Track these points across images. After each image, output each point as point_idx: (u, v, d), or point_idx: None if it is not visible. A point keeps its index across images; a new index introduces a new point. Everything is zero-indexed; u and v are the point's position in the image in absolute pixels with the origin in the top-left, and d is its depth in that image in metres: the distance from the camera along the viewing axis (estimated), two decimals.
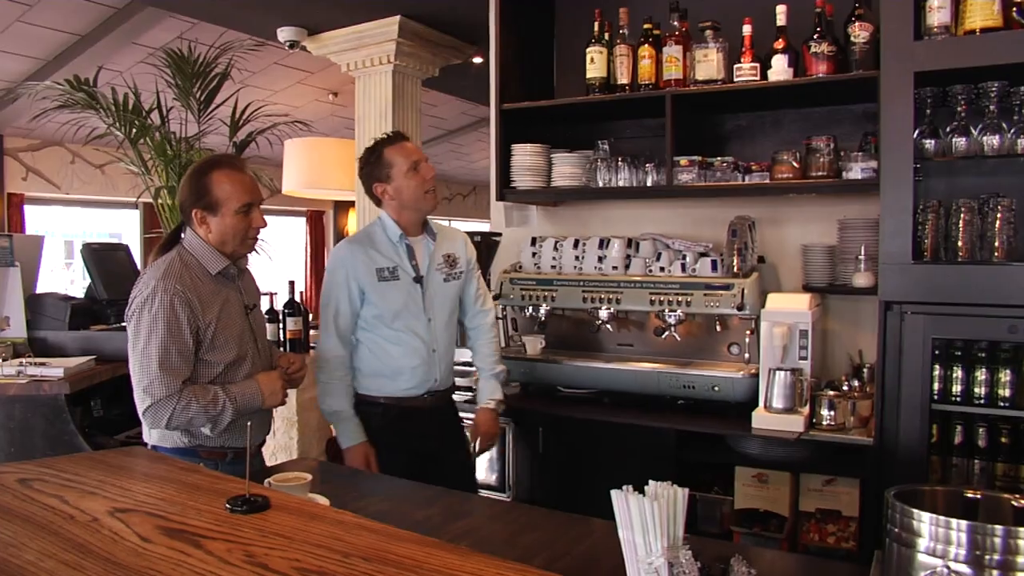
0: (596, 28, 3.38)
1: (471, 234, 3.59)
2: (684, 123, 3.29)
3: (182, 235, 2.40)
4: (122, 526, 1.55)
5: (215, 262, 2.35)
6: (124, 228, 8.50)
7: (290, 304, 4.93)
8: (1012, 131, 2.70)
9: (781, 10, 3.05)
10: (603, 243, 3.36)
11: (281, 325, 4.93)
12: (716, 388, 3.00)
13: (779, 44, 3.03)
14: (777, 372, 2.81)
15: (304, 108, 7.48)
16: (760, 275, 3.14)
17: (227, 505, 1.63)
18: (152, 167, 5.05)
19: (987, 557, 1.13)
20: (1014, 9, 2.54)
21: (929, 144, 2.74)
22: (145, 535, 1.50)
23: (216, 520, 1.58)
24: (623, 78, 3.31)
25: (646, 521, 1.19)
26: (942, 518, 1.15)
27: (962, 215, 2.71)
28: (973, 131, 2.71)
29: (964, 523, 1.14)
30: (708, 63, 3.13)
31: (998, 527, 1.13)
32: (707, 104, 3.28)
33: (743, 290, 2.99)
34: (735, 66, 3.09)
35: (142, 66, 5.59)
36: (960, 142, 2.71)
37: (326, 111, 7.82)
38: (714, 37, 3.15)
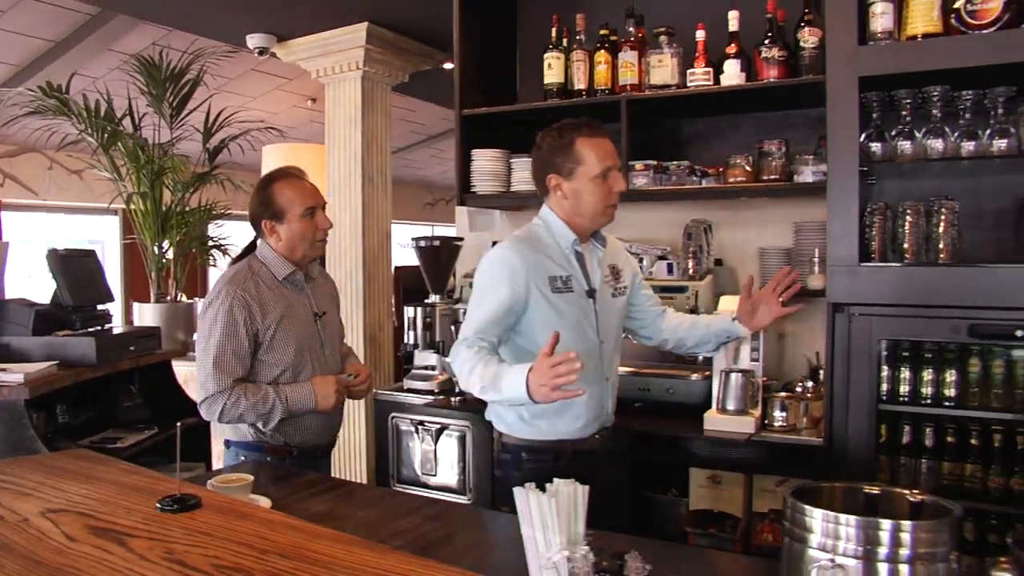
0: (554, 34, 3.43)
1: (432, 239, 3.62)
2: (641, 127, 3.33)
3: (256, 246, 2.59)
4: (50, 526, 1.57)
5: (282, 269, 2.51)
6: (103, 234, 8.49)
7: None
8: (956, 135, 2.74)
9: (733, 16, 3.09)
10: None
11: None
12: (671, 390, 3.03)
13: (731, 49, 3.07)
14: (729, 374, 2.84)
15: (282, 114, 7.50)
16: (716, 278, 3.17)
17: (158, 505, 1.66)
18: (126, 173, 5.07)
19: (876, 550, 1.16)
20: (952, 16, 2.59)
21: (876, 147, 2.78)
22: (72, 534, 1.53)
23: (145, 519, 1.61)
24: (580, 83, 3.35)
25: (546, 518, 1.22)
26: (832, 514, 1.18)
27: (908, 218, 2.75)
28: (917, 135, 2.74)
29: (853, 518, 1.17)
30: (662, 68, 3.17)
31: (886, 521, 1.16)
32: (663, 109, 3.32)
33: (697, 292, 3.03)
34: (688, 71, 3.13)
35: (116, 72, 5.61)
36: (905, 145, 2.75)
37: (304, 117, 7.84)
38: (668, 43, 3.19)
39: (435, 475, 3.45)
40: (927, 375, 2.71)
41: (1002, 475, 2.68)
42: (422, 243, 3.65)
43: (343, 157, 4.70)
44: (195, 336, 2.59)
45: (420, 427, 3.48)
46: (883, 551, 1.15)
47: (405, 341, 3.64)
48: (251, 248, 2.61)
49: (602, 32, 3.33)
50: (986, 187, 3.01)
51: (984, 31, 2.55)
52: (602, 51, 3.29)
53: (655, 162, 3.20)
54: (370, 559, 1.40)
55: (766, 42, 3.02)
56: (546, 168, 2.32)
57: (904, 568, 1.14)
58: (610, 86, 3.29)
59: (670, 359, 3.20)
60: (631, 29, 3.27)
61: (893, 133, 2.76)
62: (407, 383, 3.64)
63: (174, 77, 4.98)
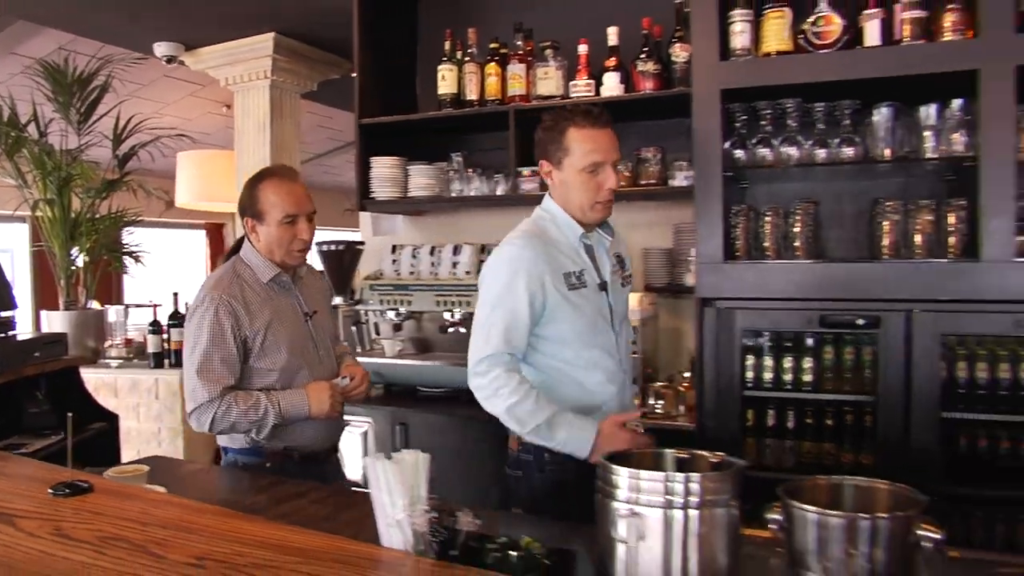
0: (447, 47, 3.60)
1: (335, 243, 3.75)
2: (532, 136, 3.52)
3: (242, 246, 2.50)
4: None
5: (267, 271, 2.42)
6: (13, 242, 8.34)
7: (174, 315, 5.00)
8: (810, 143, 3.00)
9: (613, 31, 3.31)
10: (456, 250, 3.56)
11: (165, 336, 5.00)
12: None
13: (611, 63, 3.29)
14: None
15: (197, 120, 7.50)
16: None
17: (50, 490, 1.77)
18: (32, 180, 5.05)
19: (671, 499, 1.36)
20: (800, 36, 2.85)
21: (740, 154, 3.03)
22: None
23: (38, 503, 1.72)
24: (472, 94, 3.53)
25: (391, 483, 1.39)
26: (633, 471, 1.37)
27: (768, 218, 3.01)
28: (775, 143, 3.00)
29: (649, 473, 1.37)
30: (548, 80, 3.37)
31: (678, 475, 1.36)
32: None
33: None
34: (571, 83, 3.34)
35: (20, 77, 5.56)
36: (765, 152, 3.00)
37: (220, 123, 7.84)
38: (554, 56, 3.39)
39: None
40: (787, 363, 2.96)
41: (852, 451, 2.95)
42: (325, 247, 3.77)
43: (253, 164, 4.78)
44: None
45: None
46: (677, 499, 1.35)
47: None
48: (237, 248, 2.52)
49: (492, 46, 3.52)
50: (846, 190, 3.28)
51: (826, 50, 2.82)
52: (492, 64, 3.48)
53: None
54: (242, 526, 1.56)
55: (642, 56, 3.25)
56: (538, 153, 2.28)
57: (693, 513, 1.35)
58: (500, 97, 3.47)
59: None
60: (519, 43, 3.46)
61: (754, 141, 3.01)
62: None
63: (81, 83, 4.97)
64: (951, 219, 2.83)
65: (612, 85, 3.26)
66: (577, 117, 2.18)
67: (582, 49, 3.34)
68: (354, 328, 3.67)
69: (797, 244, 2.97)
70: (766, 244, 3.00)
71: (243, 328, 2.33)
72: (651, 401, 3.11)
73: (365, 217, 4.09)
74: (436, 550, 1.41)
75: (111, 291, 7.39)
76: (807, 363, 2.95)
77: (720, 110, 2.90)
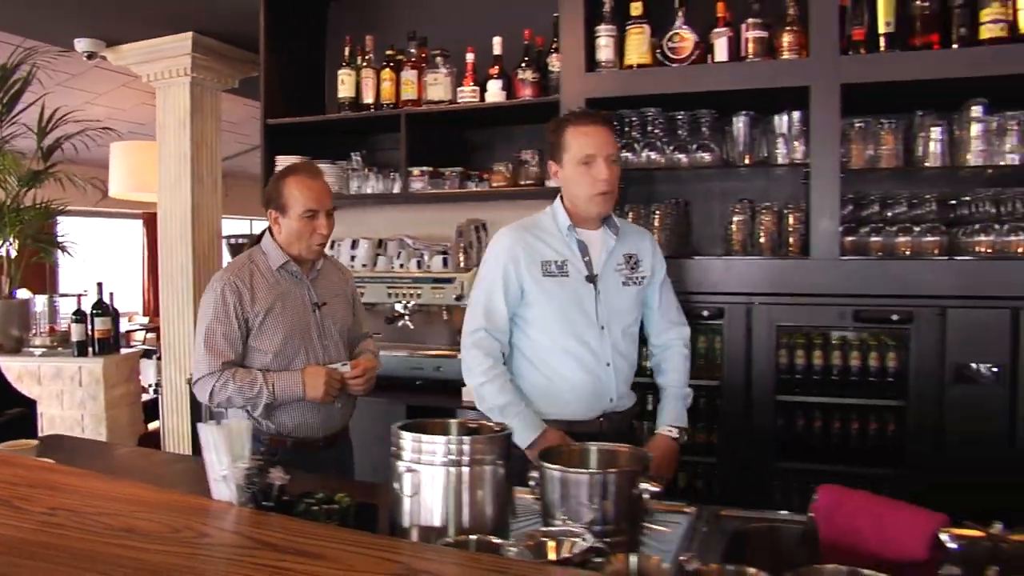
0: (347, 53, 3.80)
1: (240, 236, 3.94)
2: (431, 137, 3.76)
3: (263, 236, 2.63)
4: None
5: (278, 258, 2.54)
6: None
7: (98, 304, 5.14)
8: (671, 148, 3.26)
9: (497, 41, 3.54)
10: (354, 244, 3.78)
11: (89, 325, 5.14)
12: (439, 368, 3.46)
13: (494, 71, 3.52)
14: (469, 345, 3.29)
15: (130, 111, 7.58)
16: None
17: None
18: None
19: (446, 459, 1.60)
20: (658, 51, 3.10)
21: None
22: None
23: None
24: (369, 98, 3.73)
25: (218, 444, 1.63)
26: (417, 435, 1.61)
27: (629, 217, 3.26)
28: (638, 148, 3.25)
29: (430, 436, 1.61)
30: (438, 86, 3.60)
31: (452, 437, 1.61)
32: (441, 121, 3.74)
33: (463, 283, 3.47)
34: (458, 89, 3.57)
35: None
36: (629, 157, 3.25)
37: (152, 114, 7.88)
38: (444, 63, 3.62)
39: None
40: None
41: (704, 431, 3.23)
42: (232, 240, 3.96)
43: (173, 158, 4.94)
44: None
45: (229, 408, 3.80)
46: (450, 459, 1.59)
47: None
48: (258, 239, 2.65)
49: (388, 52, 3.73)
50: (715, 192, 3.54)
51: (680, 64, 3.08)
52: (387, 69, 3.69)
53: (430, 168, 3.62)
54: (97, 485, 1.78)
55: (522, 65, 3.48)
56: (548, 155, 2.46)
57: (464, 470, 1.59)
58: (394, 101, 3.69)
59: (443, 341, 3.64)
60: (413, 50, 3.68)
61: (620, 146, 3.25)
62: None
63: (3, 76, 5.08)
64: (791, 220, 3.11)
65: (495, 91, 3.50)
66: (572, 117, 2.42)
67: (469, 57, 3.57)
68: None
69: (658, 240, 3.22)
70: None
71: (245, 307, 2.45)
72: None
73: None
74: (255, 502, 1.64)
75: (45, 281, 7.47)
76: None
77: None
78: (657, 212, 3.26)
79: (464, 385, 3.37)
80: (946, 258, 2.90)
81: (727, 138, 3.28)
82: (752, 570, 1.37)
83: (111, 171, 6.63)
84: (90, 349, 5.12)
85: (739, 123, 3.23)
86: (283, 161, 3.92)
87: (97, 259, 8.52)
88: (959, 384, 2.83)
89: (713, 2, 3.09)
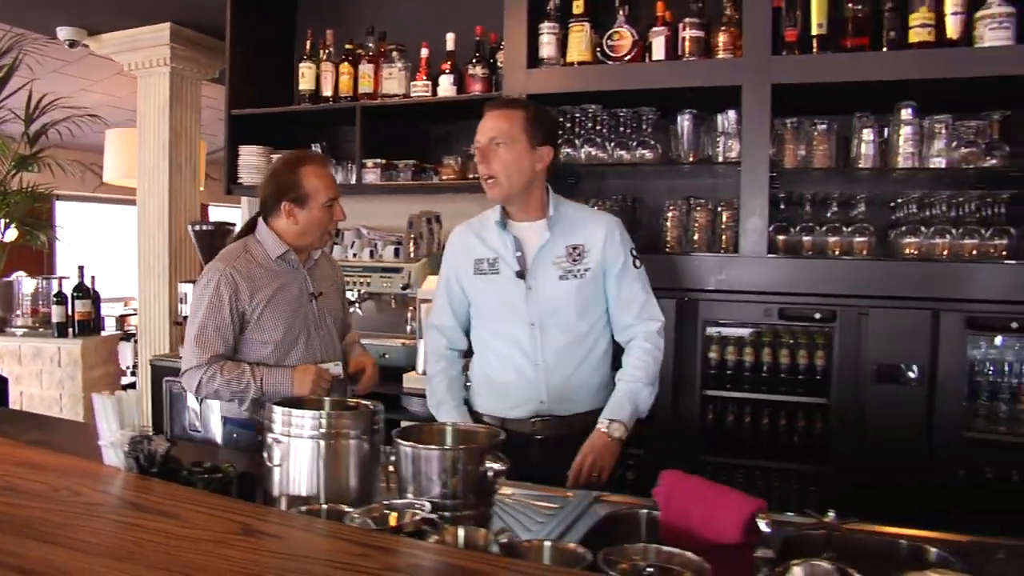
0: (308, 47, 3.89)
1: (205, 223, 4.04)
2: (387, 130, 3.84)
3: (256, 226, 2.56)
4: None
5: (276, 248, 2.48)
6: None
7: (79, 287, 5.29)
8: (613, 145, 3.31)
9: (450, 37, 3.61)
10: None
11: (70, 307, 5.28)
12: (386, 356, 3.54)
13: (446, 66, 3.59)
14: (422, 341, 3.37)
15: (126, 98, 7.67)
16: (431, 260, 3.69)
17: None
18: None
19: (312, 432, 1.68)
20: (598, 49, 3.16)
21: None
22: None
23: None
24: (328, 90, 3.82)
25: (109, 414, 1.73)
26: (287, 409, 1.70)
27: None
28: (577, 143, 3.31)
29: (299, 411, 1.70)
30: (392, 80, 3.68)
31: (318, 412, 1.69)
32: (396, 114, 3.82)
33: (410, 273, 3.54)
34: (412, 83, 3.64)
35: None
36: (570, 152, 3.31)
37: None
38: (400, 58, 3.69)
39: (201, 432, 3.88)
40: None
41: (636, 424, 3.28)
42: (197, 227, 4.07)
43: (152, 147, 5.06)
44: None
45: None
46: (316, 432, 1.68)
47: (179, 313, 4.06)
48: (249, 228, 2.59)
49: (347, 47, 3.81)
50: (664, 188, 3.58)
51: (619, 62, 3.13)
52: (346, 63, 3.78)
53: (383, 161, 3.70)
54: (8, 451, 1.89)
55: (473, 61, 3.55)
56: None
57: (329, 443, 1.68)
58: (352, 94, 3.77)
59: (390, 329, 3.72)
60: (371, 45, 3.76)
61: (559, 142, 3.31)
62: (181, 350, 4.05)
63: None
64: (724, 217, 3.16)
65: (446, 86, 3.57)
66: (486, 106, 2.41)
67: (423, 52, 3.64)
68: None
69: None
70: None
71: (242, 300, 2.40)
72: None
73: (246, 201, 4.39)
74: (139, 467, 1.74)
75: (43, 264, 7.64)
76: None
77: None
78: (599, 208, 3.30)
79: (407, 372, 3.47)
80: (870, 259, 2.94)
81: (672, 136, 3.33)
82: (571, 545, 1.44)
83: (106, 157, 6.75)
84: (70, 330, 5.26)
85: (683, 121, 3.28)
86: (247, 151, 4.02)
87: (96, 244, 8.71)
88: (880, 383, 2.86)
89: (654, 1, 3.14)
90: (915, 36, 2.84)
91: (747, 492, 3.08)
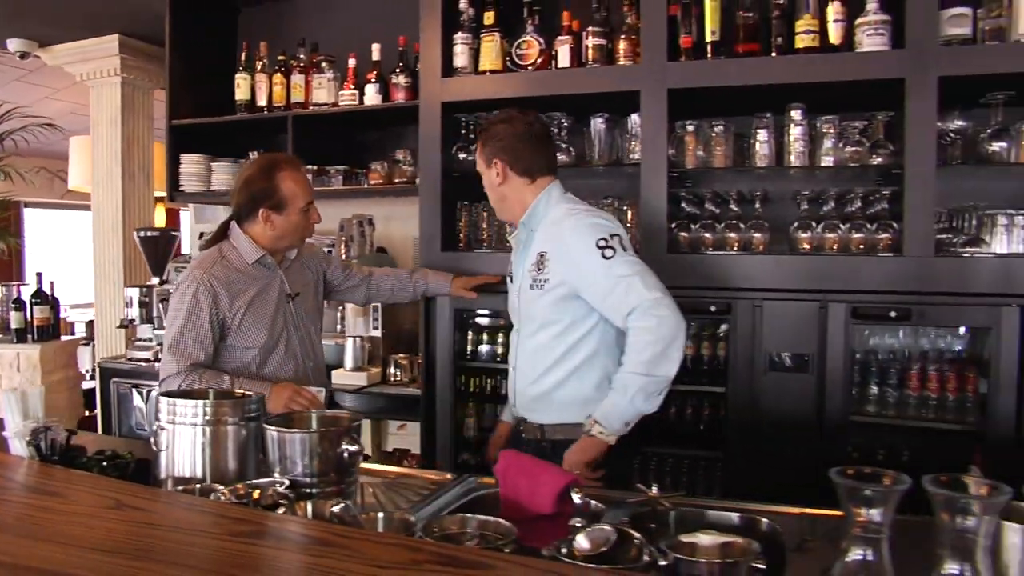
0: (243, 57, 4.04)
1: (151, 230, 4.19)
2: (319, 137, 3.99)
3: (229, 230, 2.56)
4: None
5: (253, 252, 2.49)
6: None
7: (37, 293, 5.40)
8: None
9: (376, 48, 3.77)
10: None
11: (28, 312, 5.40)
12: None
13: (371, 75, 3.75)
14: (350, 339, 3.52)
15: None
16: (363, 262, 3.83)
17: None
18: None
19: (193, 420, 1.84)
20: (508, 58, 3.32)
21: (464, 157, 3.48)
22: None
23: None
24: (262, 100, 3.97)
25: (14, 407, 1.89)
26: (172, 399, 1.85)
27: (484, 214, 3.47)
28: None
29: (182, 400, 1.85)
30: (322, 89, 3.83)
31: (198, 400, 1.84)
32: (326, 122, 3.97)
33: None
34: (340, 92, 3.79)
35: None
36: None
37: None
38: (329, 68, 3.85)
39: (147, 431, 4.02)
40: (496, 338, 3.45)
41: None
42: (142, 234, 4.21)
43: (106, 154, 5.21)
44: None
45: (134, 389, 4.05)
46: (197, 419, 1.83)
47: (124, 316, 4.20)
48: (221, 233, 2.57)
49: (280, 57, 3.97)
50: (582, 190, 3.70)
51: (526, 70, 3.29)
52: (278, 74, 3.93)
53: (315, 167, 3.85)
54: None
55: (396, 70, 3.71)
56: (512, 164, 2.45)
57: (209, 429, 1.83)
58: (285, 103, 3.92)
59: (328, 328, 3.86)
60: (302, 56, 3.92)
61: (472, 147, 3.46)
62: (129, 352, 4.21)
63: None
64: (630, 216, 3.32)
65: (372, 95, 3.72)
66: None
67: (351, 63, 3.80)
68: (161, 304, 4.10)
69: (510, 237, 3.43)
70: (484, 235, 3.47)
71: (221, 308, 2.41)
72: (391, 370, 3.58)
73: (193, 207, 4.55)
74: (40, 455, 1.90)
75: (11, 271, 7.78)
76: (500, 338, 3.46)
77: (441, 120, 3.37)
78: None
79: (335, 369, 3.62)
80: (762, 253, 3.10)
81: (586, 139, 3.48)
82: (397, 513, 1.60)
83: (70, 165, 6.90)
84: (29, 336, 5.38)
85: (596, 124, 3.44)
86: (186, 159, 4.17)
87: (65, 250, 8.84)
88: (773, 371, 3.03)
89: (561, 11, 3.30)
90: (801, 42, 3.00)
91: (657, 479, 3.29)
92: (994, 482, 1.26)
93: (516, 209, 2.43)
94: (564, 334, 2.30)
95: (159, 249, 4.24)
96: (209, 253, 2.51)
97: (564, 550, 1.38)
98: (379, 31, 3.88)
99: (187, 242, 4.32)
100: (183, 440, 1.86)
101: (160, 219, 7.01)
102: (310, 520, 1.54)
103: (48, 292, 5.47)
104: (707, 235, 3.24)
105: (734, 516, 1.83)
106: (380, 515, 1.61)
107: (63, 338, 5.72)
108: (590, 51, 3.24)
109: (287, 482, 1.71)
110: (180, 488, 1.77)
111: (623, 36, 3.20)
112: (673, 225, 3.22)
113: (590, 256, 2.21)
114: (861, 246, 3.05)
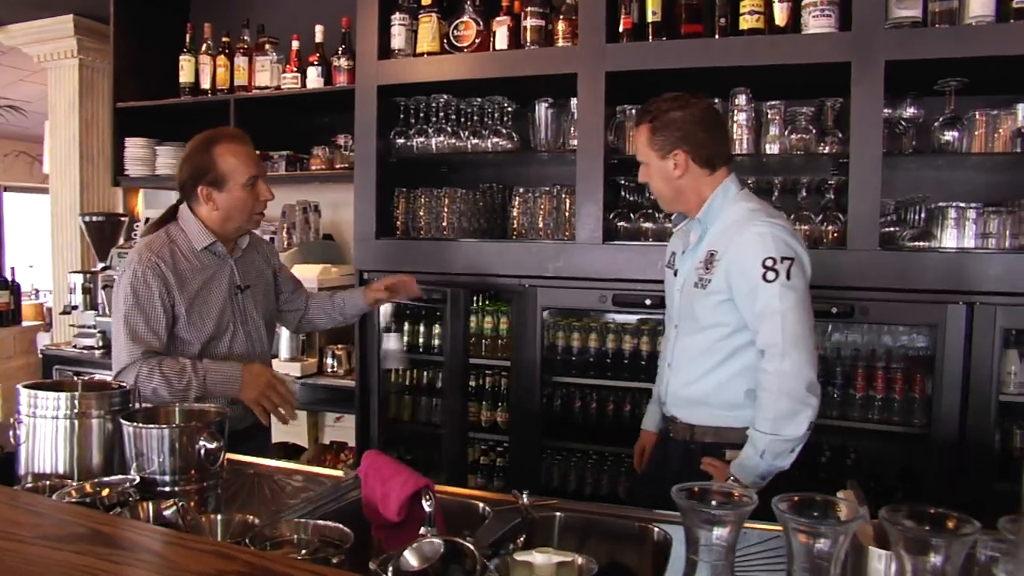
0: (188, 39, 3.93)
1: (96, 215, 4.09)
2: (262, 121, 3.86)
3: (178, 213, 2.37)
4: None
5: (202, 239, 2.30)
6: None
7: None
8: (466, 133, 3.35)
9: (319, 29, 3.65)
10: None
11: None
12: None
13: (314, 58, 3.63)
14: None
15: None
16: (302, 250, 3.74)
17: None
18: None
19: (55, 412, 1.75)
20: (446, 40, 3.20)
21: (401, 142, 3.37)
22: None
23: None
24: (205, 83, 3.87)
25: None
26: (32, 391, 1.76)
27: (421, 200, 3.36)
28: (430, 131, 3.34)
29: (43, 392, 1.75)
30: (265, 72, 3.72)
31: (61, 393, 1.74)
32: (269, 106, 3.86)
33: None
34: (281, 75, 3.68)
35: None
36: (421, 141, 3.34)
37: None
38: (272, 50, 3.73)
39: None
40: (432, 329, 3.35)
41: (491, 410, 3.34)
42: (87, 219, 4.12)
43: (64, 138, 5.11)
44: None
45: (76, 377, 3.96)
46: (59, 412, 1.74)
47: (67, 303, 4.11)
48: (170, 215, 2.38)
49: (224, 39, 3.85)
50: (533, 177, 3.61)
51: (463, 52, 3.17)
52: (222, 56, 3.82)
53: (258, 152, 3.72)
54: None
55: (339, 52, 3.59)
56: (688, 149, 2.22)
57: (73, 422, 1.74)
58: (228, 86, 3.81)
59: None
60: (246, 38, 3.80)
61: (411, 132, 3.35)
62: (74, 340, 4.12)
63: None
64: (568, 204, 3.20)
65: (314, 78, 3.61)
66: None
67: (294, 45, 3.68)
68: (103, 291, 4.01)
69: (444, 223, 3.33)
70: (421, 223, 3.36)
71: (172, 293, 2.23)
72: (328, 360, 3.48)
73: (143, 192, 4.46)
74: None
75: None
76: (435, 330, 3.36)
77: (377, 104, 3.26)
78: (445, 197, 3.35)
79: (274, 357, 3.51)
80: None
81: (530, 124, 3.36)
82: (248, 517, 1.50)
83: (45, 148, 6.81)
84: None
85: (540, 110, 3.32)
86: (131, 143, 4.07)
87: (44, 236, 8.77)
88: None
89: None
90: (745, 23, 2.87)
91: (594, 476, 3.18)
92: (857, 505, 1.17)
93: (692, 202, 2.21)
94: (728, 338, 2.14)
95: (105, 234, 4.14)
96: (156, 236, 2.31)
97: (391, 566, 1.28)
98: (324, 13, 3.77)
99: (143, 228, 4.22)
100: (43, 434, 1.76)
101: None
102: (132, 521, 1.44)
103: (8, 277, 5.42)
104: (646, 225, 3.13)
105: (629, 524, 1.73)
106: (219, 517, 1.50)
107: (24, 324, 5.66)
108: (528, 32, 3.11)
109: (137, 479, 1.61)
110: (29, 485, 1.67)
111: (562, 17, 3.07)
112: (612, 215, 3.11)
113: (753, 268, 2.04)
114: (805, 239, 2.92)
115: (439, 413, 3.38)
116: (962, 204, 2.89)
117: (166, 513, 1.45)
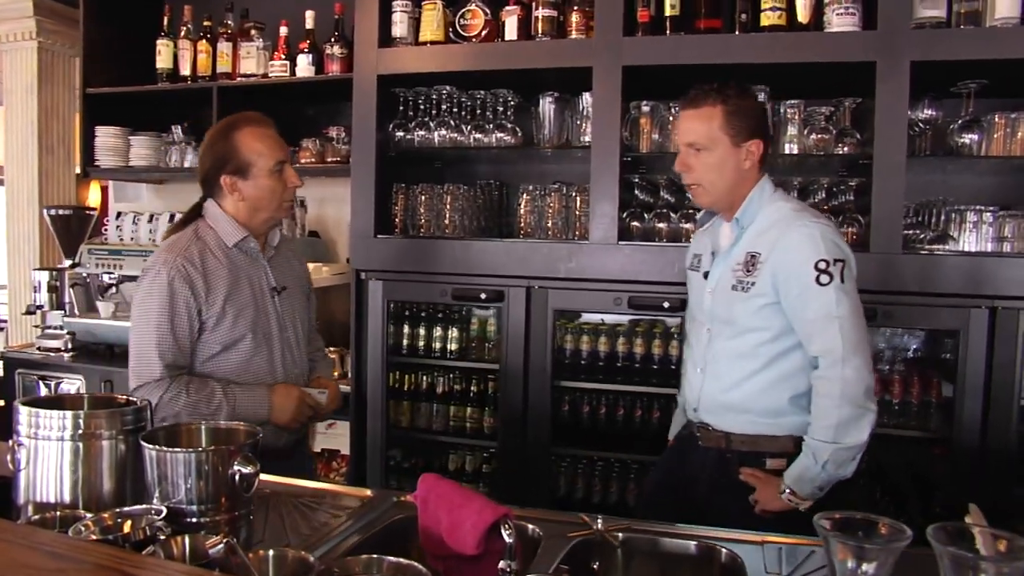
0: (166, 23, 3.71)
1: (63, 207, 3.85)
2: (251, 110, 3.66)
3: (203, 209, 2.18)
4: None
5: (233, 234, 2.12)
6: None
7: None
8: (468, 127, 3.21)
9: (310, 15, 3.47)
10: (172, 218, 3.69)
11: None
12: None
13: (304, 45, 3.45)
14: None
15: None
16: (310, 247, 3.56)
17: None
18: None
19: (60, 433, 1.56)
20: (451, 29, 3.05)
21: (401, 135, 3.21)
22: None
23: None
24: (186, 69, 3.65)
25: None
26: (33, 409, 1.57)
27: (423, 197, 3.21)
28: (433, 125, 3.19)
29: (47, 411, 1.57)
30: (250, 59, 3.52)
31: (66, 412, 1.56)
32: (255, 95, 3.66)
33: None
34: (269, 62, 3.49)
35: None
36: (422, 135, 3.19)
37: None
38: (258, 36, 3.54)
39: None
40: (433, 331, 3.21)
41: (494, 415, 3.21)
42: (53, 212, 3.87)
43: (20, 125, 4.81)
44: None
45: (41, 382, 3.73)
46: (65, 433, 1.56)
47: (31, 302, 3.86)
48: (195, 213, 2.19)
49: (206, 24, 3.64)
50: (533, 174, 3.48)
51: (471, 42, 3.03)
52: (203, 41, 3.61)
53: None
54: None
55: (331, 40, 3.41)
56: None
57: (79, 444, 1.56)
58: (210, 73, 3.60)
59: None
60: (230, 22, 3.60)
61: (412, 125, 3.20)
62: (38, 342, 3.87)
63: None
64: (579, 202, 3.09)
65: (304, 66, 3.43)
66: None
67: (282, 31, 3.49)
68: (71, 289, 3.78)
69: (447, 222, 3.18)
70: (421, 221, 3.21)
71: (199, 298, 2.04)
72: None
73: (117, 185, 4.21)
74: None
75: None
76: (437, 331, 3.24)
77: (377, 94, 3.10)
78: (447, 194, 3.20)
79: None
80: None
81: (534, 119, 3.24)
82: (292, 552, 1.35)
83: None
84: None
85: (545, 104, 3.19)
86: (102, 132, 3.83)
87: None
88: None
89: None
90: (767, 19, 2.79)
91: (603, 484, 3.08)
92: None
93: (736, 199, 2.08)
94: (772, 342, 2.03)
95: (72, 229, 3.89)
96: (182, 234, 2.12)
97: None
98: None
99: (113, 223, 3.94)
100: (46, 458, 1.58)
101: (94, 198, 6.57)
102: (174, 565, 1.28)
103: None
104: (660, 225, 3.03)
105: (690, 545, 1.64)
106: (271, 553, 1.35)
107: None
108: (540, 23, 2.98)
109: (164, 511, 1.45)
110: (36, 517, 1.50)
111: (576, 8, 2.95)
112: (625, 215, 3.00)
113: (804, 271, 1.94)
114: None
115: (437, 418, 3.24)
116: (981, 207, 2.86)
117: (211, 551, 1.29)
